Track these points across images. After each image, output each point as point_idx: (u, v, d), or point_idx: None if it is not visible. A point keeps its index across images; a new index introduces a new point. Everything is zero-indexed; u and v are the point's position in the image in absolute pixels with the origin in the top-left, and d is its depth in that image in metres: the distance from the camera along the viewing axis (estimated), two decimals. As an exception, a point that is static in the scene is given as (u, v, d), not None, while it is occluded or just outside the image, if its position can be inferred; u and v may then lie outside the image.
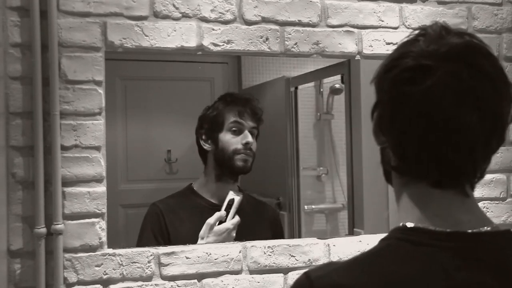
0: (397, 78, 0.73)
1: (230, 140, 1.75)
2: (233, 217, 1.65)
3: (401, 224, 0.73)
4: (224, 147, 1.75)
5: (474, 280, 0.68)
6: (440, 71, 0.70)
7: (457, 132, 0.70)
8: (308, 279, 0.71)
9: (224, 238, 1.62)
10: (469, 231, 0.71)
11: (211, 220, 1.63)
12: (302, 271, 1.31)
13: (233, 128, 1.75)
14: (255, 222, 1.80)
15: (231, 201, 1.67)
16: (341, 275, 0.70)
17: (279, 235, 1.82)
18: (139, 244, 1.67)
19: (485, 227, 0.72)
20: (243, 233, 1.66)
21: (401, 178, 0.77)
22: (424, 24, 0.80)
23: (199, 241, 1.62)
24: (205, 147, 1.79)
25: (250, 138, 1.75)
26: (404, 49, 0.74)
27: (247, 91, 2.13)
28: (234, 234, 1.64)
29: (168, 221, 1.70)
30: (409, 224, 0.73)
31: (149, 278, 1.51)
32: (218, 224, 1.63)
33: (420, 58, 0.71)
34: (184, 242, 1.59)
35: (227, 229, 1.63)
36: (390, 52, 0.79)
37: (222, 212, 1.65)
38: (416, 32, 0.77)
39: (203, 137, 1.79)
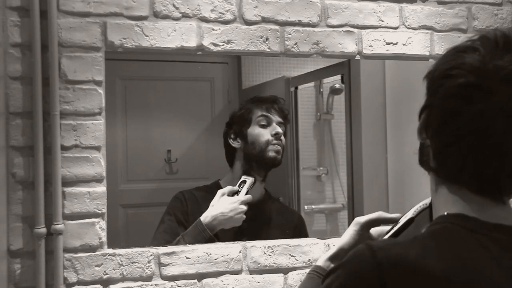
0: (452, 91, 0.73)
1: (260, 132, 1.76)
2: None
3: (445, 213, 0.75)
4: (255, 140, 1.75)
5: None
6: (496, 95, 0.71)
7: (504, 155, 0.72)
8: (370, 249, 0.71)
9: (234, 208, 1.62)
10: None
11: (224, 190, 1.66)
12: (302, 271, 1.33)
13: (261, 122, 1.76)
14: (278, 226, 1.79)
15: (243, 183, 1.69)
16: (403, 248, 0.71)
17: None
18: (160, 226, 1.68)
19: None
20: (266, 235, 1.66)
21: (439, 178, 0.78)
22: (485, 29, 0.80)
23: (209, 208, 1.63)
24: (234, 145, 1.78)
25: (279, 129, 1.76)
26: (462, 59, 0.74)
27: (248, 91, 2.13)
28: (245, 208, 1.64)
29: (190, 210, 1.71)
30: (456, 212, 0.74)
31: (149, 278, 1.51)
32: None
33: (477, 76, 0.72)
34: None
35: (238, 200, 1.64)
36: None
37: (236, 187, 1.68)
38: (476, 37, 0.76)
39: (232, 136, 1.79)
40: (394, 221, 0.95)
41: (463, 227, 0.73)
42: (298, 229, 1.83)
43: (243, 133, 1.77)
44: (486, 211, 0.74)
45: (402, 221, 0.92)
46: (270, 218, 1.78)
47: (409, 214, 0.92)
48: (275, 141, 1.75)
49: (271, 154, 1.75)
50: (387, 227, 0.97)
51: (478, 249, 0.71)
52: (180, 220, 1.69)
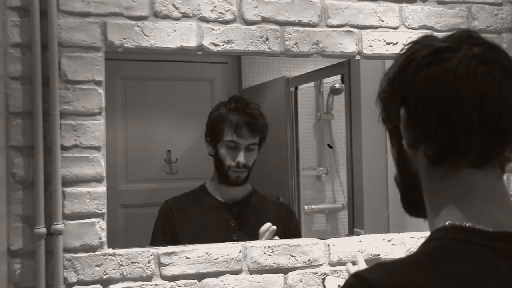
0: (420, 65, 0.73)
1: (225, 156, 1.76)
2: None
3: (447, 223, 0.71)
4: (220, 159, 1.77)
5: None
6: (463, 48, 0.72)
7: (498, 98, 0.70)
8: (365, 282, 0.66)
9: None
10: None
11: None
12: (302, 271, 1.33)
13: (229, 145, 1.76)
14: (268, 220, 1.80)
15: None
16: (402, 276, 0.67)
17: (293, 234, 1.82)
18: (152, 243, 1.69)
19: None
20: (254, 232, 1.67)
21: (438, 171, 0.74)
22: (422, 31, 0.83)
23: None
24: (208, 151, 1.80)
25: (242, 158, 1.75)
26: (415, 47, 0.76)
27: (248, 91, 2.13)
28: None
29: (176, 219, 1.73)
30: (458, 223, 0.71)
31: (149, 278, 1.51)
32: None
33: (438, 43, 0.74)
34: (191, 239, 1.61)
35: None
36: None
37: None
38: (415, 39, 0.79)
39: (207, 139, 1.80)
40: None
41: (463, 241, 0.69)
42: (288, 221, 1.85)
43: (215, 146, 1.78)
44: (488, 212, 0.71)
45: None
46: (258, 213, 1.80)
47: None
48: (235, 168, 1.76)
49: (232, 177, 1.77)
50: None
51: (482, 265, 0.67)
52: (168, 233, 1.71)
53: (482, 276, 0.67)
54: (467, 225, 0.70)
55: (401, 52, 0.78)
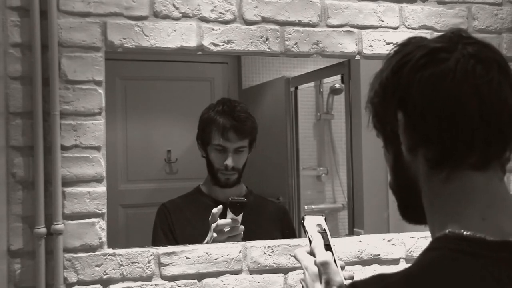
0: (416, 66, 0.71)
1: (214, 159, 1.79)
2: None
3: (447, 232, 0.69)
4: (210, 162, 1.80)
5: None
6: (458, 48, 0.71)
7: (498, 98, 0.69)
8: None
9: (227, 232, 1.62)
10: None
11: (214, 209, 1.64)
12: (302, 271, 1.31)
13: (217, 148, 1.78)
14: (263, 221, 1.81)
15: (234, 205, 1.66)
16: None
17: (290, 234, 1.83)
18: (154, 244, 1.69)
19: None
20: (252, 232, 1.67)
21: (439, 175, 0.72)
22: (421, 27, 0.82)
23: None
24: (200, 152, 1.83)
25: (230, 162, 1.77)
26: (407, 49, 0.74)
27: (248, 91, 2.13)
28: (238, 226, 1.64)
29: (174, 220, 1.75)
30: (458, 232, 0.69)
31: (149, 278, 1.51)
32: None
33: (433, 44, 0.72)
34: (189, 239, 1.61)
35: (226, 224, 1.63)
36: (389, 52, 0.78)
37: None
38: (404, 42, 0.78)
39: (199, 141, 1.83)
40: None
41: (462, 252, 0.67)
42: (284, 221, 1.87)
43: (205, 149, 1.81)
44: (490, 218, 0.69)
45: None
46: (254, 213, 1.80)
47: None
48: (224, 171, 1.78)
49: (221, 179, 1.79)
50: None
51: (481, 277, 0.65)
52: (168, 234, 1.73)
53: None
54: (467, 233, 0.68)
55: (391, 54, 0.76)
